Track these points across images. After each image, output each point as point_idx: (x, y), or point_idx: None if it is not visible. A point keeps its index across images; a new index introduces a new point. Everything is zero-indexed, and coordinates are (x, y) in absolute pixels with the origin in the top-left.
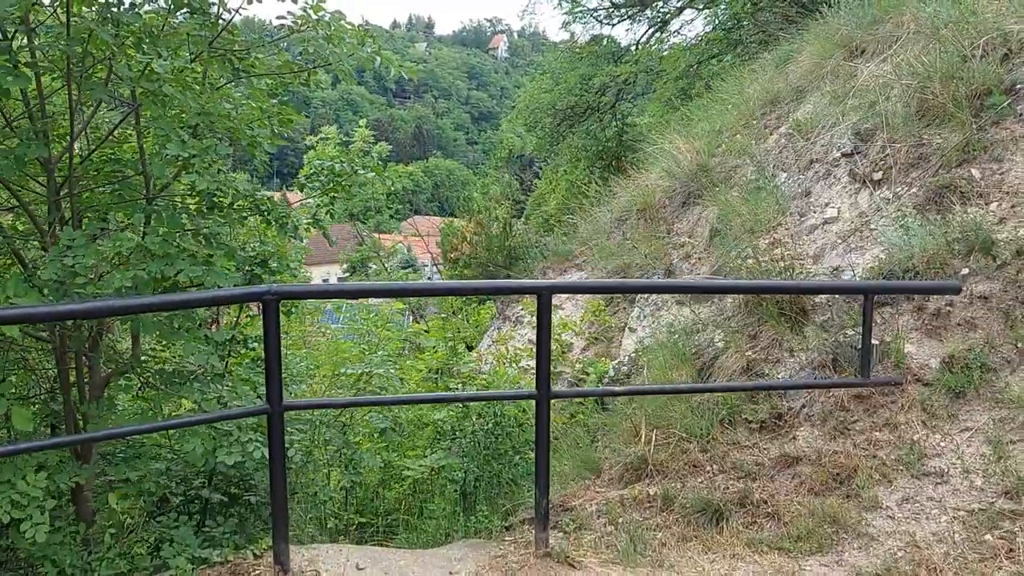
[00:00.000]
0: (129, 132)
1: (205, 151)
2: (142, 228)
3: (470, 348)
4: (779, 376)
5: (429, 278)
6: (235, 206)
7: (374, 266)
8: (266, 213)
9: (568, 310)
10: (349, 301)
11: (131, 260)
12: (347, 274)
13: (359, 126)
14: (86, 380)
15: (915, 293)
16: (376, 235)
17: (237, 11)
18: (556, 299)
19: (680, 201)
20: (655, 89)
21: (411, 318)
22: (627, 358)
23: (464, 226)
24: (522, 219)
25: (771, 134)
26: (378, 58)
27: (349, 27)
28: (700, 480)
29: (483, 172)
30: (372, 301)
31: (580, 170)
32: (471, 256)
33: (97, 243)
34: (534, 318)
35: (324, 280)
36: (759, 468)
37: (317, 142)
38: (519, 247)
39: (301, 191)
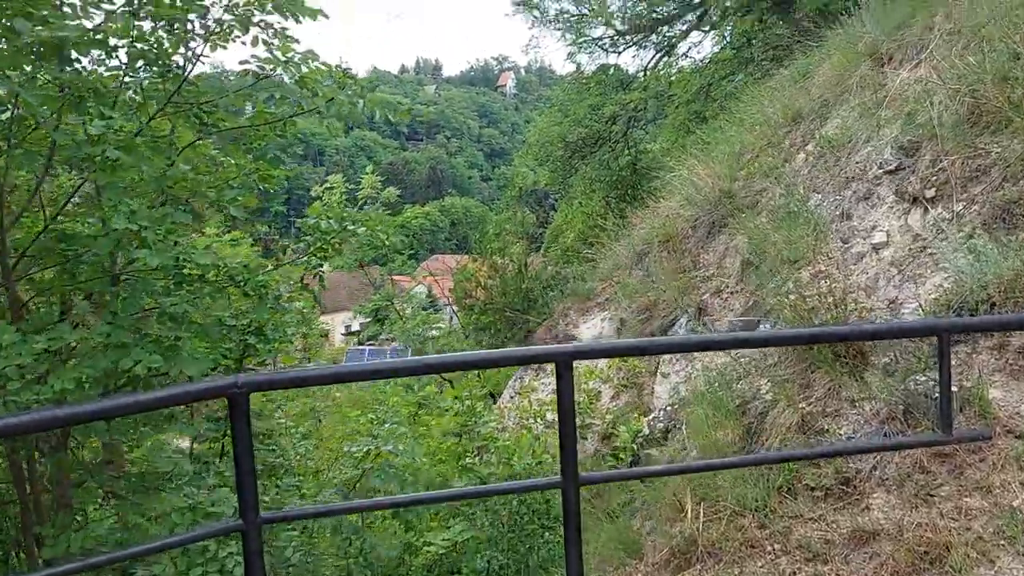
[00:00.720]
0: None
1: (159, 220)
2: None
3: (494, 397)
4: (841, 432)
5: (449, 320)
6: (207, 278)
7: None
8: (242, 284)
9: (589, 361)
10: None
11: (82, 351)
12: (367, 319)
13: (366, 172)
14: (46, 493)
15: (1002, 330)
16: (392, 278)
17: (198, 58)
18: (579, 342)
19: (704, 230)
20: (667, 114)
21: None
22: (662, 412)
23: (477, 269)
24: (540, 252)
25: (797, 153)
26: (361, 102)
27: (324, 68)
28: (761, 564)
29: (498, 208)
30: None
31: (595, 201)
32: (486, 303)
33: (36, 337)
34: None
35: (346, 327)
36: (829, 547)
37: (323, 191)
38: (536, 288)
39: (283, 254)
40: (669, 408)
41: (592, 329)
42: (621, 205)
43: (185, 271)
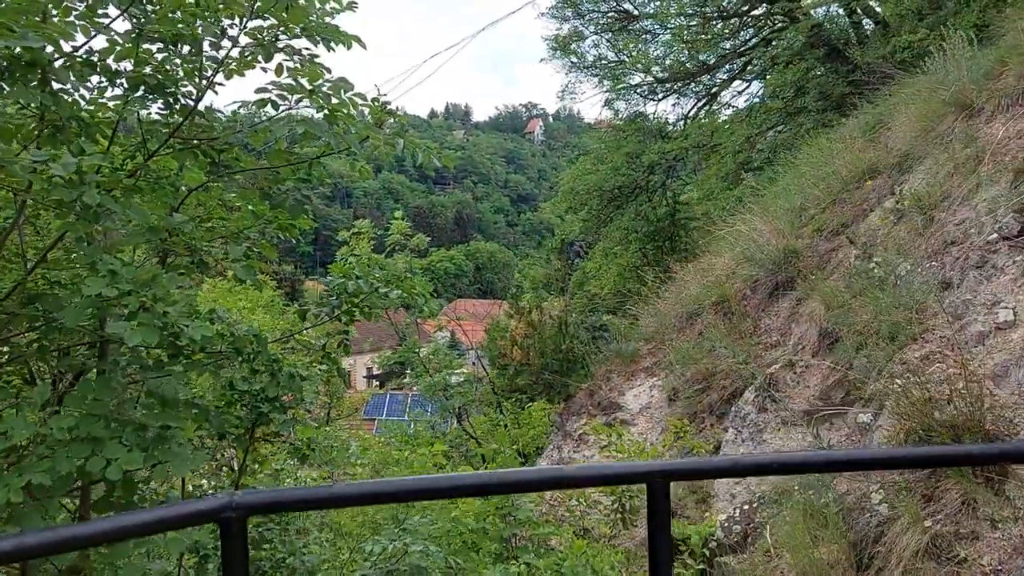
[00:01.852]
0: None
1: (147, 285)
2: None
3: (524, 457)
4: (984, 563)
5: (473, 364)
6: (208, 350)
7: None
8: (250, 358)
9: (641, 426)
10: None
11: (40, 449)
12: (392, 364)
13: (395, 217)
14: None
15: None
16: (417, 323)
17: (210, 86)
18: (625, 412)
19: (766, 291)
20: (709, 165)
21: (452, 422)
22: (738, 511)
23: (514, 327)
24: (563, 298)
25: (872, 210)
26: (401, 142)
27: (359, 101)
28: None
29: (523, 254)
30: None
31: (631, 252)
32: (522, 363)
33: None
34: (599, 436)
35: (368, 369)
36: None
37: (350, 236)
38: (576, 347)
39: (303, 319)
40: (746, 508)
41: (639, 397)
42: (659, 256)
43: (178, 342)
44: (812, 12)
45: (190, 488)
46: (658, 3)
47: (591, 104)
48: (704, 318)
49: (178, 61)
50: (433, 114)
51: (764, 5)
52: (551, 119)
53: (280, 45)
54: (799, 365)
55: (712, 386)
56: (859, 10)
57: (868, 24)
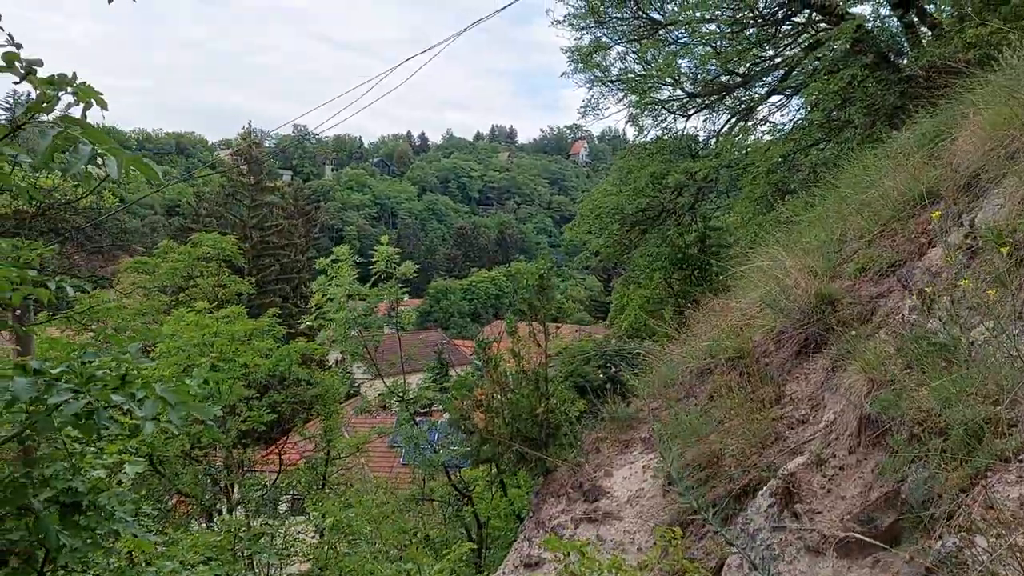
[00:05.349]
0: None
1: None
2: None
3: (520, 519)
4: None
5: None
6: None
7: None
8: None
9: (628, 521)
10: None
11: None
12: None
13: (379, 242)
14: None
15: None
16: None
17: None
18: (611, 500)
19: (792, 348)
20: (742, 186)
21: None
22: None
23: (478, 388)
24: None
25: (932, 245)
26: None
27: None
28: None
29: (566, 275)
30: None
31: (655, 282)
32: (486, 432)
33: None
34: (575, 529)
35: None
36: None
37: (327, 264)
38: (558, 413)
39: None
40: None
41: (630, 480)
42: (686, 287)
43: None
44: (855, 11)
45: None
46: (688, 12)
47: (614, 120)
48: (716, 376)
49: None
50: (479, 136)
51: (805, 11)
52: (596, 141)
53: None
54: (831, 464)
55: (718, 475)
56: (912, 12)
57: (923, 31)
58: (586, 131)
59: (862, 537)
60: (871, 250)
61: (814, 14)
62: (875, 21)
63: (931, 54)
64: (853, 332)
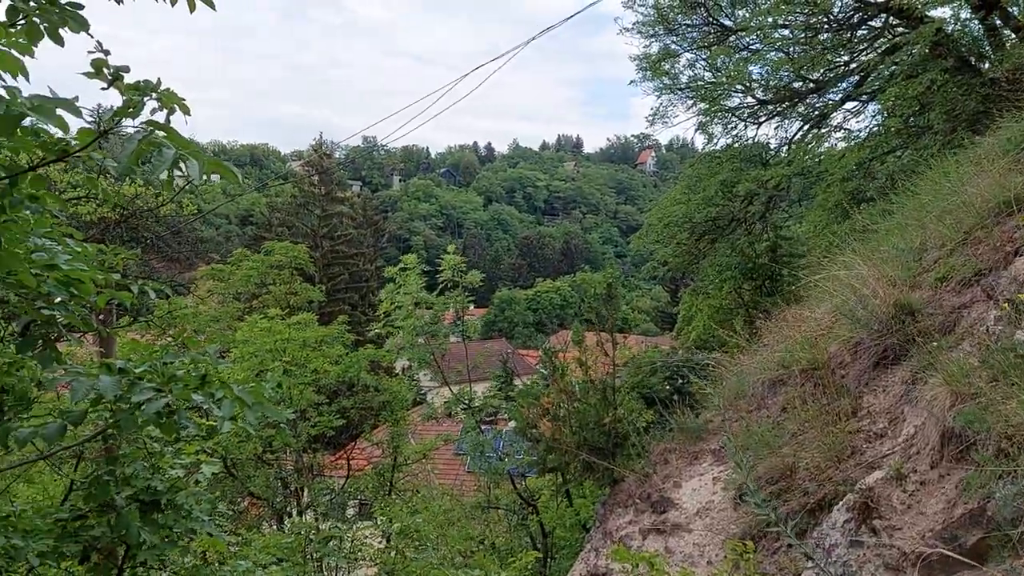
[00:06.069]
0: None
1: None
2: None
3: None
4: None
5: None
6: None
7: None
8: None
9: (697, 534)
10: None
11: None
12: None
13: (446, 252)
14: None
15: None
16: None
17: None
18: (679, 512)
19: (870, 359)
20: (815, 194)
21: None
22: None
23: (544, 396)
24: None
25: (1017, 254)
26: None
27: None
28: None
29: (633, 285)
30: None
31: (724, 292)
32: (552, 440)
33: None
34: (643, 540)
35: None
36: None
37: (396, 272)
38: (625, 423)
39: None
40: None
41: (699, 492)
42: (756, 298)
43: None
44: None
45: None
46: (760, 17)
47: (682, 128)
48: (790, 387)
49: None
50: (544, 146)
51: (882, 15)
52: (664, 150)
53: None
54: (911, 480)
55: (791, 489)
56: (995, 15)
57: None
58: (654, 140)
59: (948, 554)
60: (953, 259)
61: (891, 18)
62: (955, 24)
63: (1016, 56)
64: (935, 343)
